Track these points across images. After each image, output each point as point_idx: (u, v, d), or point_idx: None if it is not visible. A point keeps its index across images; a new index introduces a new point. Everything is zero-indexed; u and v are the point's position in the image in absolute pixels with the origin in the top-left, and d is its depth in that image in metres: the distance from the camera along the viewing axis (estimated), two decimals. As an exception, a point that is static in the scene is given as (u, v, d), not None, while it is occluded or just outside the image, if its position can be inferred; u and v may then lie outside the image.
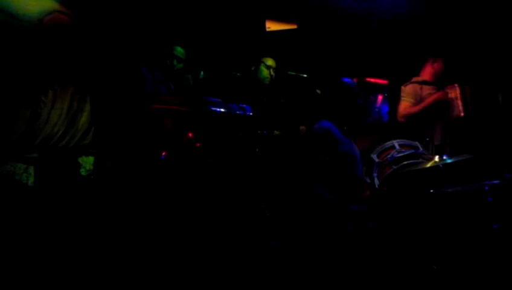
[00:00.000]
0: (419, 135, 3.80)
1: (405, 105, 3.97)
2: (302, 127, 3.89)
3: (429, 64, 4.10)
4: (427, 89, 4.00)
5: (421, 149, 3.30)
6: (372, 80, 5.21)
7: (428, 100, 3.90)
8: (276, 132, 4.10)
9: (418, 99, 3.94)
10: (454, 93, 3.87)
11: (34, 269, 2.26)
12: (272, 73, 4.49)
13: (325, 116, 3.08)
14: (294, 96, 4.50)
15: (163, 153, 2.81)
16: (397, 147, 3.30)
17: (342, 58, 4.98)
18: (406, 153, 3.22)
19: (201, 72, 4.11)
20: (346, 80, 3.19)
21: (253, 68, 4.52)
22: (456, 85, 3.88)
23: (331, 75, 4.16)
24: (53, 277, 2.29)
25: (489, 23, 4.39)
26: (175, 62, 3.98)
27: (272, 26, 4.98)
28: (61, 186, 2.53)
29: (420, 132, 3.89)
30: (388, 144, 3.39)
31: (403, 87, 4.08)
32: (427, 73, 4.10)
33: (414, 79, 4.09)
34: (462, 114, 3.82)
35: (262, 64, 4.50)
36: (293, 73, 4.30)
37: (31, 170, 2.41)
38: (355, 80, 4.09)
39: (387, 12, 4.80)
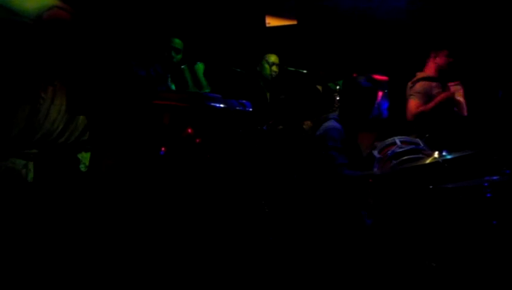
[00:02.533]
0: (422, 133, 3.79)
1: (416, 104, 3.89)
2: (308, 122, 3.89)
3: (432, 59, 4.05)
4: (436, 87, 3.96)
5: (422, 145, 3.30)
6: (372, 76, 5.20)
7: (439, 98, 3.85)
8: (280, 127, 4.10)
9: (428, 98, 3.90)
10: (459, 92, 3.86)
11: (32, 265, 2.27)
12: (275, 69, 4.49)
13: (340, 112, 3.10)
14: (294, 92, 4.50)
15: (163, 149, 2.81)
16: (398, 143, 3.30)
17: (342, 54, 4.97)
18: (406, 149, 3.21)
19: (198, 63, 4.08)
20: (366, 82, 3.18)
21: (258, 68, 4.52)
22: (459, 83, 3.87)
23: (352, 73, 4.16)
24: (52, 273, 2.30)
25: (489, 18, 4.37)
26: (173, 54, 3.97)
27: (272, 21, 4.97)
28: (60, 182, 2.53)
29: (424, 130, 3.87)
30: (389, 140, 3.39)
31: (410, 84, 4.01)
32: (430, 68, 4.02)
33: (419, 74, 4.03)
34: (466, 113, 3.81)
35: (264, 60, 4.50)
36: (293, 69, 4.29)
37: (31, 165, 2.42)
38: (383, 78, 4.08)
39: (387, 8, 4.78)
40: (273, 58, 4.51)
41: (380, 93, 5.17)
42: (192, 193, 2.78)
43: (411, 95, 3.97)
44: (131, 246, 2.59)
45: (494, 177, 2.51)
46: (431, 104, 3.84)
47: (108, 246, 2.54)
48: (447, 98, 3.84)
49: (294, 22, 4.98)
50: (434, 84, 3.95)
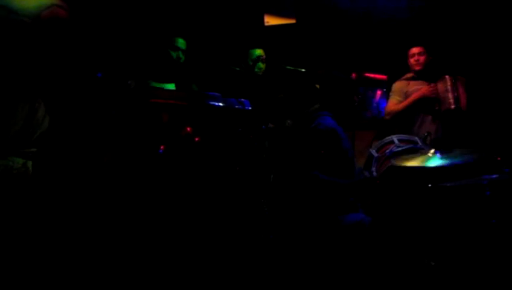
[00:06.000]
0: (409, 130, 3.82)
1: (391, 102, 4.02)
2: (289, 121, 3.88)
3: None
4: (414, 85, 4.00)
5: (420, 144, 3.31)
6: (371, 75, 5.21)
7: (413, 97, 3.91)
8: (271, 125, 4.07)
9: (404, 96, 3.97)
10: (445, 85, 3.84)
11: (31, 263, 2.27)
12: (261, 66, 4.37)
13: (324, 109, 3.10)
14: (292, 90, 4.48)
15: (162, 148, 2.81)
16: (396, 142, 3.31)
17: (341, 53, 4.97)
18: (404, 148, 3.23)
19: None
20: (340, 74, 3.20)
21: (250, 63, 4.44)
22: (446, 77, 3.85)
23: (328, 69, 4.18)
24: (51, 272, 2.30)
25: (490, 17, 4.38)
26: (181, 54, 3.91)
27: (270, 20, 4.97)
28: (59, 180, 2.53)
29: (409, 127, 3.90)
30: (387, 139, 3.40)
31: (393, 84, 4.12)
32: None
33: (406, 76, 4.10)
34: (452, 106, 3.78)
35: (249, 59, 4.43)
36: (291, 67, 4.27)
37: (29, 164, 2.42)
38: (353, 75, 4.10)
39: (387, 6, 4.79)
40: (257, 52, 4.39)
41: (379, 92, 5.18)
42: (191, 191, 2.78)
43: (389, 94, 4.11)
44: (130, 244, 2.58)
45: (494, 176, 2.51)
46: (403, 103, 3.92)
47: (107, 244, 2.54)
48: (424, 95, 3.87)
49: (293, 21, 4.98)
50: (414, 82, 4.00)
